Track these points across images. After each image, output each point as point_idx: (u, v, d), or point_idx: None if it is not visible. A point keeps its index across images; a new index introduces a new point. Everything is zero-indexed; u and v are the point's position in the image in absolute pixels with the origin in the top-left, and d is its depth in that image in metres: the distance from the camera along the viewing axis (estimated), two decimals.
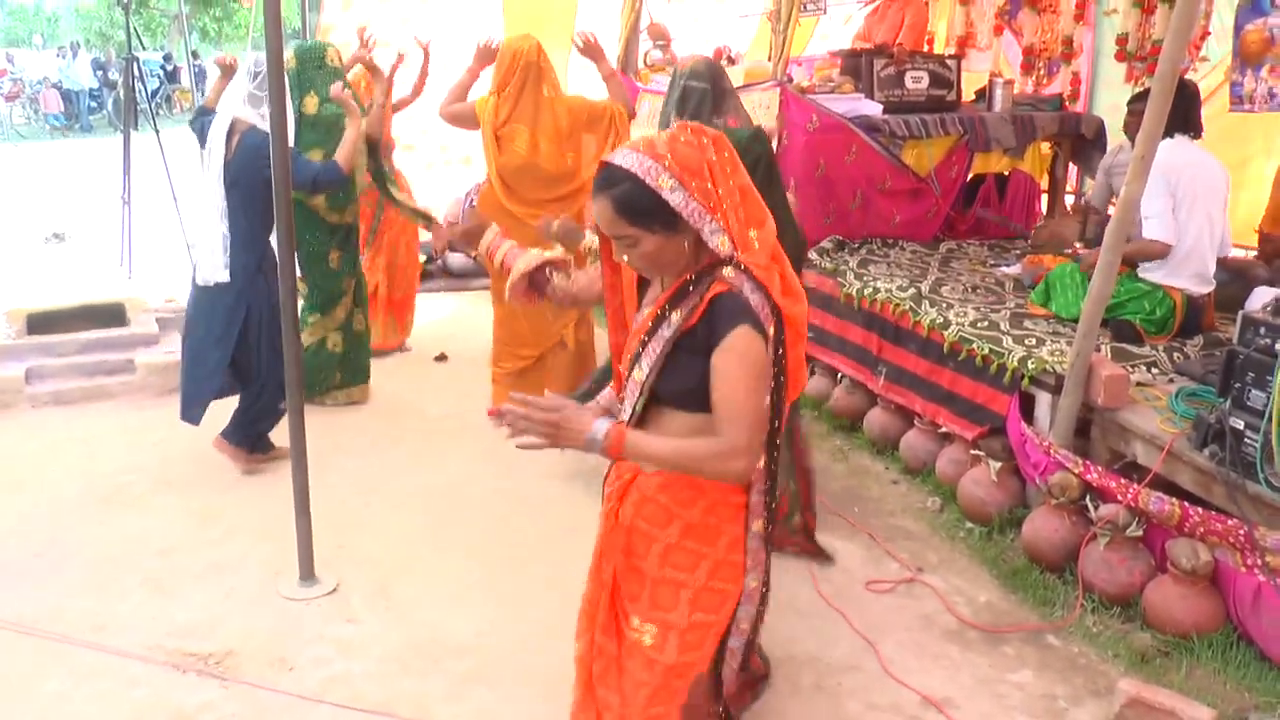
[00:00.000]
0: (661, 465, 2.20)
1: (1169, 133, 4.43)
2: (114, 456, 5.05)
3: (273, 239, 4.24)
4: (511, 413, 2.11)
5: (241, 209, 4.55)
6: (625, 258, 2.18)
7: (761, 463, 2.28)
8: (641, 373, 2.21)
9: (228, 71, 4.76)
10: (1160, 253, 4.63)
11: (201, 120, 4.78)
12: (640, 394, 2.22)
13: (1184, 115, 4.58)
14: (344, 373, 5.75)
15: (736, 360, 2.08)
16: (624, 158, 2.10)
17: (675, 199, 2.05)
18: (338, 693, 3.29)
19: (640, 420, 2.26)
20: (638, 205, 2.08)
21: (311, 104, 5.42)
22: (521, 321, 5.15)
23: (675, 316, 2.15)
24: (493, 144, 5.02)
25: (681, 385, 2.18)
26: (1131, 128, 5.10)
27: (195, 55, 23.54)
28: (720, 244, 2.10)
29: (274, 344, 4.51)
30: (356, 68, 6.16)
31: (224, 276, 4.57)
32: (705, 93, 3.86)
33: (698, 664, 2.36)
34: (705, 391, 2.12)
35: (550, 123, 4.99)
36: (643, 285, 2.38)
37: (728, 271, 2.11)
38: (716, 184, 2.08)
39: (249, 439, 4.89)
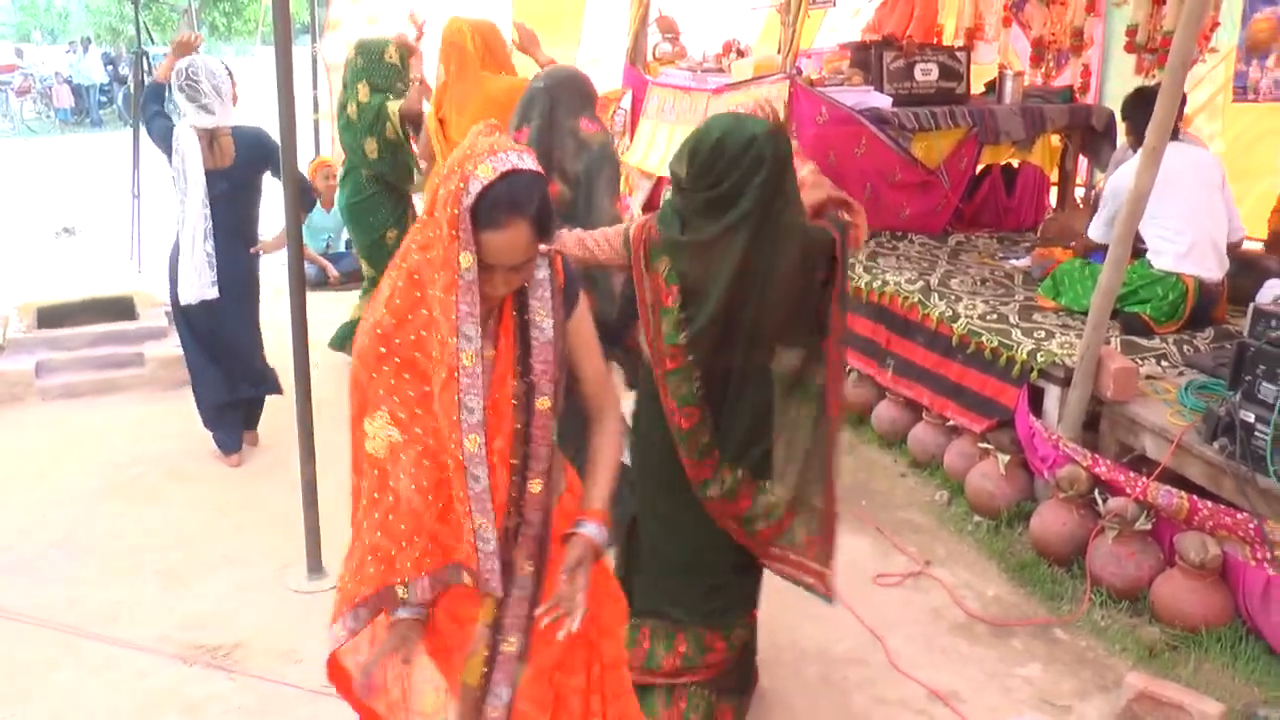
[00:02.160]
0: (615, 467, 2.11)
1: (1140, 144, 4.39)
2: (123, 449, 5.07)
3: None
4: (568, 616, 1.94)
5: (254, 204, 4.57)
6: (502, 290, 1.92)
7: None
8: (548, 398, 1.97)
9: (180, 49, 4.71)
10: (1085, 247, 5.01)
11: (158, 120, 4.75)
12: (555, 420, 2.00)
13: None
14: None
15: (590, 321, 2.03)
16: (525, 160, 1.86)
17: None
18: None
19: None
20: (550, 218, 1.90)
21: (364, 92, 5.51)
22: None
23: (540, 314, 1.96)
24: (438, 131, 4.83)
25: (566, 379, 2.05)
26: (1129, 133, 5.10)
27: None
28: None
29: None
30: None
31: (214, 293, 4.63)
32: (556, 97, 3.79)
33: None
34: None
35: (480, 107, 4.61)
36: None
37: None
38: None
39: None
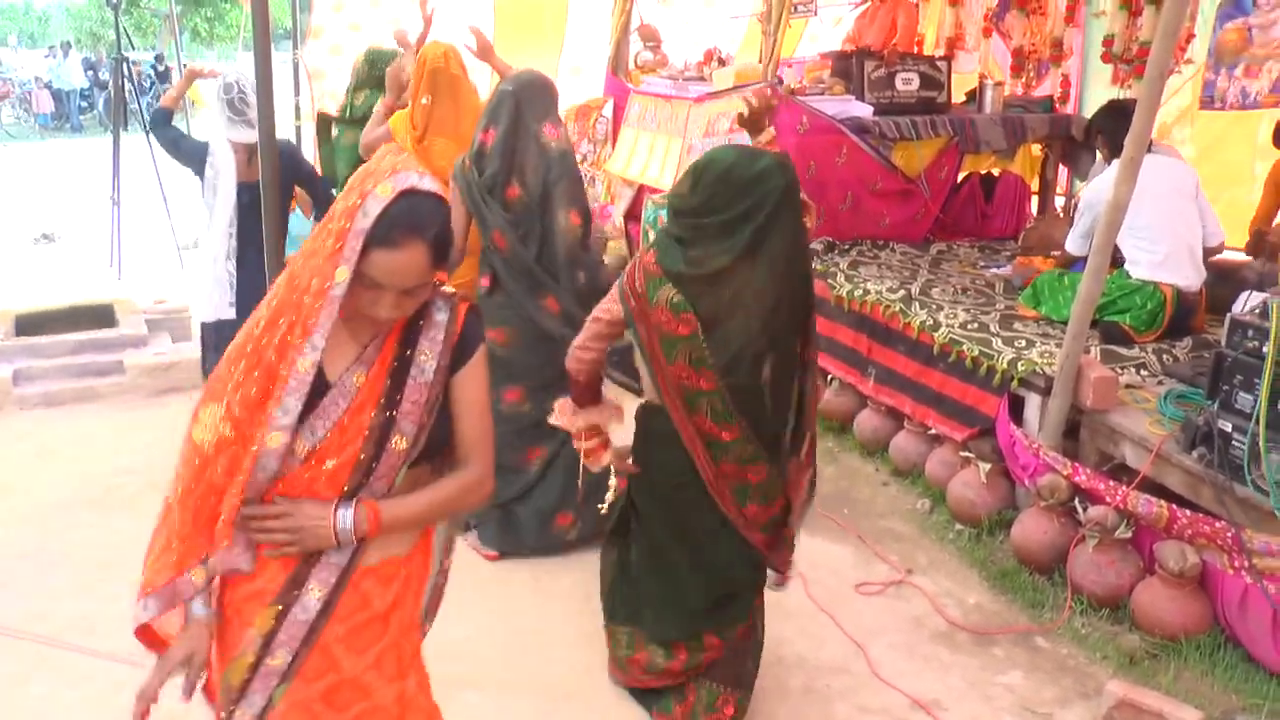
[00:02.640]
0: (425, 523, 2.03)
1: (1115, 157, 4.44)
2: (103, 458, 5.03)
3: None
4: (245, 521, 1.88)
5: (284, 214, 4.63)
6: (395, 313, 1.86)
7: None
8: (405, 439, 1.90)
9: (190, 77, 4.72)
10: (1064, 260, 5.10)
11: (174, 137, 4.74)
12: (403, 464, 1.93)
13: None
14: None
15: (480, 381, 1.97)
16: (425, 182, 1.84)
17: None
18: None
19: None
20: (446, 245, 1.86)
21: (359, 98, 5.52)
22: None
23: (425, 355, 1.92)
24: (416, 153, 4.55)
25: (443, 429, 1.98)
26: (1103, 146, 5.14)
27: (159, 58, 23.56)
28: None
29: None
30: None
31: (231, 314, 4.64)
32: (523, 100, 3.88)
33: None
34: (449, 428, 1.98)
35: (468, 132, 4.42)
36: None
37: (447, 288, 1.99)
38: None
39: None
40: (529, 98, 3.89)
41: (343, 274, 1.78)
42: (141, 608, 1.96)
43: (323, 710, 1.96)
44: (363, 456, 1.89)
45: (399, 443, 1.89)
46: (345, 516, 1.88)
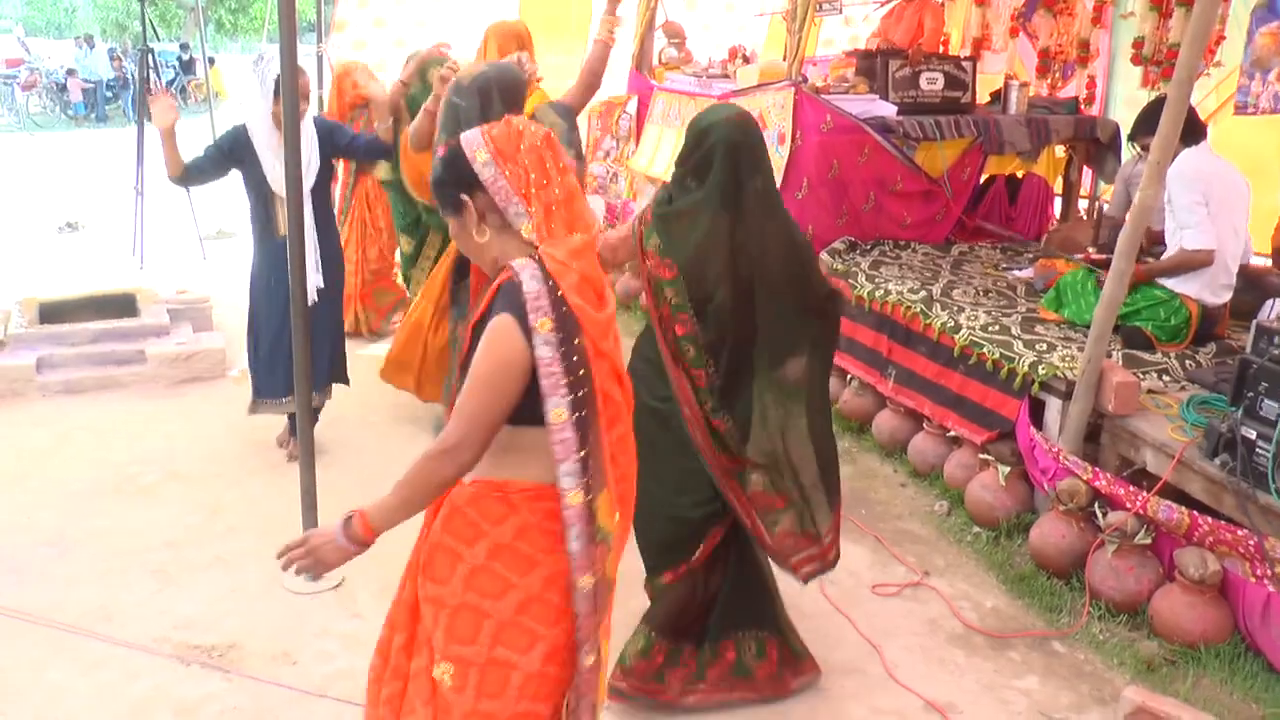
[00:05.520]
0: (410, 504, 2.03)
1: (1185, 143, 4.42)
2: (123, 447, 5.06)
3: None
4: (284, 559, 2.10)
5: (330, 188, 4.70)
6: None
7: (579, 498, 1.97)
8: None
9: (168, 136, 4.53)
10: (1204, 261, 4.50)
11: (202, 165, 4.64)
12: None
13: (1189, 124, 4.56)
14: None
15: (482, 351, 1.98)
16: (461, 139, 2.11)
17: (486, 173, 2.02)
18: (341, 687, 3.30)
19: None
20: (434, 184, 2.12)
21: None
22: None
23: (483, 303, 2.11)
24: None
25: None
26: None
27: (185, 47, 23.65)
28: (524, 229, 2.03)
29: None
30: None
31: (321, 284, 4.73)
32: (464, 108, 3.95)
33: (500, 717, 2.06)
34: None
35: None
36: None
37: (518, 260, 2.00)
38: (530, 171, 2.02)
39: None
40: (468, 107, 3.94)
41: None
42: None
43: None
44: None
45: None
46: (341, 531, 2.04)
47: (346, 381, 5.08)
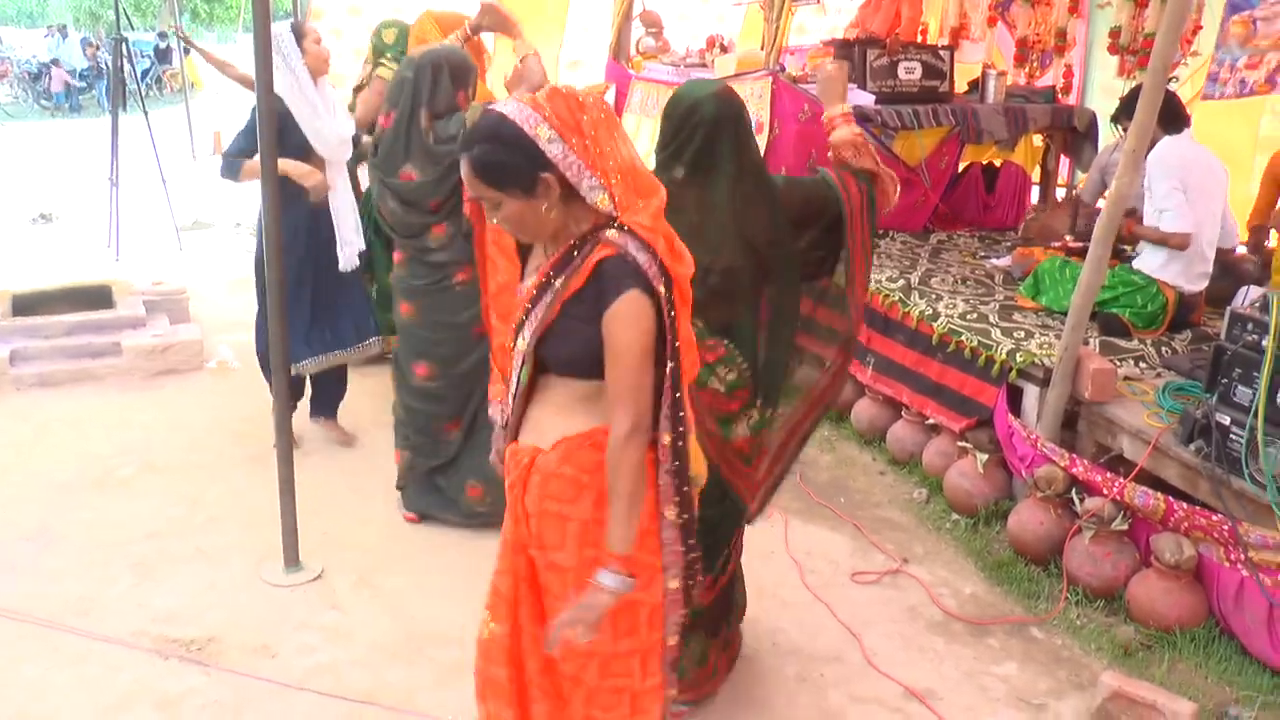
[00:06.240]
0: (633, 503, 2.09)
1: (1168, 132, 4.45)
2: (101, 440, 5.02)
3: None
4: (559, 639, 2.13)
5: None
6: (493, 220, 2.15)
7: (668, 439, 2.14)
8: (524, 341, 2.16)
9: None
10: (1180, 244, 4.54)
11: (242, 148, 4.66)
12: (523, 363, 2.18)
13: (1172, 112, 4.59)
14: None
15: (626, 327, 2.03)
16: (503, 106, 2.06)
17: (553, 150, 1.99)
18: (322, 681, 3.29)
19: (527, 390, 2.24)
20: (494, 166, 2.03)
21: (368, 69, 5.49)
22: None
23: (559, 282, 2.09)
24: None
25: (568, 352, 2.13)
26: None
27: (163, 35, 23.39)
28: (599, 201, 2.03)
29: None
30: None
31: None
32: (412, 81, 3.94)
33: (639, 650, 2.26)
34: (593, 358, 2.07)
35: None
36: (524, 254, 2.32)
37: (611, 233, 2.04)
38: (598, 143, 2.02)
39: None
40: (415, 81, 3.93)
41: None
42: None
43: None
44: (510, 345, 2.25)
45: (521, 344, 2.17)
46: (604, 578, 2.08)
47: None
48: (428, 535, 4.20)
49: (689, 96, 2.86)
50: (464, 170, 2.08)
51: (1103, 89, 7.35)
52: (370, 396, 5.45)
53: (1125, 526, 3.77)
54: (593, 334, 2.06)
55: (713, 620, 3.14)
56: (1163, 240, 4.56)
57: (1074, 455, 3.98)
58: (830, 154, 3.07)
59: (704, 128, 2.78)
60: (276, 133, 4.18)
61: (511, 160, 2.01)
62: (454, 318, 4.04)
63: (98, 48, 23.33)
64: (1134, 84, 6.09)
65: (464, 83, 4.02)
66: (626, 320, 2.02)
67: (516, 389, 2.22)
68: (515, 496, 2.25)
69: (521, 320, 2.17)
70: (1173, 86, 4.89)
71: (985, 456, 4.36)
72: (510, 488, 2.28)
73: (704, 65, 7.05)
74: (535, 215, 2.06)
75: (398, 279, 4.19)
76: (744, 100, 3.07)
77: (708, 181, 2.80)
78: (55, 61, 22.90)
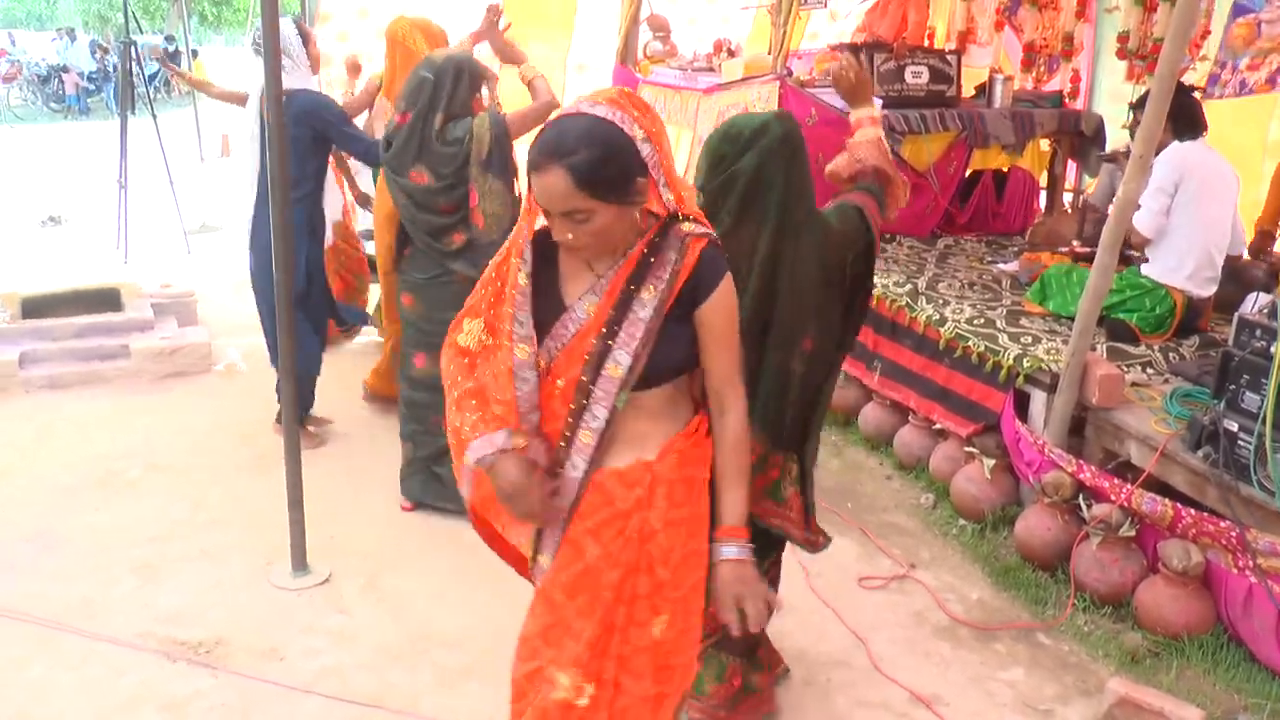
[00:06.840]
0: (745, 489, 2.13)
1: (1180, 138, 4.45)
2: (107, 441, 5.04)
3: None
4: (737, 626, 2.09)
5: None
6: (569, 236, 1.94)
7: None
8: (620, 368, 2.00)
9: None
10: (1136, 242, 4.65)
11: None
12: (622, 389, 2.02)
13: (1189, 118, 4.59)
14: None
15: (726, 314, 2.06)
16: (595, 108, 1.92)
17: (645, 151, 1.93)
18: (328, 684, 3.29)
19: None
20: (601, 174, 1.88)
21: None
22: None
23: (649, 291, 1.99)
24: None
25: (671, 359, 2.05)
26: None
27: (170, 39, 23.46)
28: (669, 200, 2.01)
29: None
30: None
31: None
32: (433, 82, 3.97)
33: (689, 640, 2.20)
34: (689, 355, 2.07)
35: None
36: (541, 280, 2.11)
37: (689, 225, 2.01)
38: (663, 140, 2.00)
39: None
40: (436, 82, 3.96)
41: (528, 197, 1.98)
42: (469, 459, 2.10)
43: (563, 600, 2.14)
44: (584, 378, 2.04)
45: (614, 369, 2.02)
46: (735, 553, 2.09)
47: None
48: (435, 537, 4.20)
49: (748, 120, 2.72)
50: (554, 181, 1.87)
51: (1110, 94, 7.33)
52: (373, 400, 5.46)
53: (1133, 533, 3.76)
54: (689, 330, 2.05)
55: (746, 644, 3.08)
56: (1126, 234, 4.58)
57: (1081, 461, 3.97)
58: (845, 154, 3.01)
59: (748, 162, 2.65)
60: (324, 141, 4.66)
61: (620, 167, 1.90)
62: (453, 311, 4.01)
63: (106, 50, 23.40)
64: (1143, 89, 6.09)
65: (478, 89, 4.09)
66: (726, 307, 2.05)
67: (611, 416, 2.04)
68: (635, 523, 2.08)
69: (600, 349, 2.01)
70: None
71: (992, 462, 4.35)
72: (616, 518, 2.09)
73: (711, 70, 7.05)
74: (620, 225, 1.97)
75: (402, 272, 4.27)
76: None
77: (745, 223, 2.67)
78: (65, 68, 23.00)
